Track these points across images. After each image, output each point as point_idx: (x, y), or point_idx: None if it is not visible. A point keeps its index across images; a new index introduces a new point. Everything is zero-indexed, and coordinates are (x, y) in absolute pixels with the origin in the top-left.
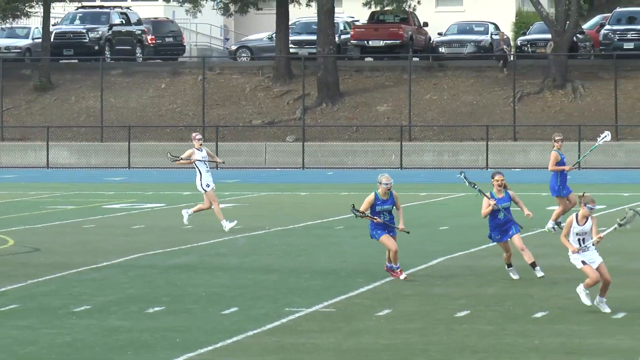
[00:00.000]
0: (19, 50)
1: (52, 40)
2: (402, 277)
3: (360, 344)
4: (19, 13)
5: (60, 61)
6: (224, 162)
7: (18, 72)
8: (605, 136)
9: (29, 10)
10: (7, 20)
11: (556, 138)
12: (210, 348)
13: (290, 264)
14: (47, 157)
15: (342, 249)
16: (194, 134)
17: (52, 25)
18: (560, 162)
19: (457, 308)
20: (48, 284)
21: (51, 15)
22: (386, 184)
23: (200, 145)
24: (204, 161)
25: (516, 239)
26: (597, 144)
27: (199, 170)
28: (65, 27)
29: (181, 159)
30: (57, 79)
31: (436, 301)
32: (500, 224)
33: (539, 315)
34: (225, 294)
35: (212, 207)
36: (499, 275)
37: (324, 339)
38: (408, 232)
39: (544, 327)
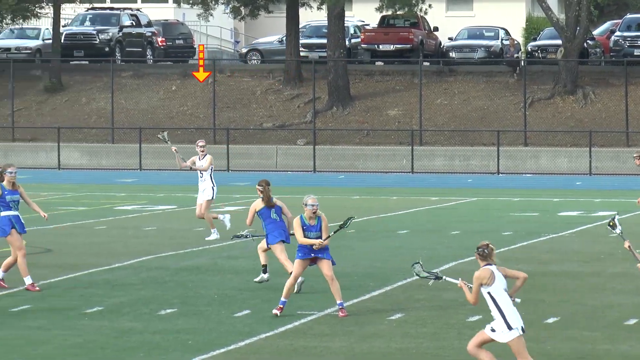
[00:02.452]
0: (29, 51)
1: (62, 41)
2: (341, 314)
3: (372, 347)
4: (28, 14)
5: (71, 62)
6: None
7: (28, 72)
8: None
9: (39, 11)
10: (17, 21)
11: None
12: (222, 350)
13: None
14: (59, 158)
15: (354, 253)
16: (197, 141)
17: (62, 27)
18: None
19: (469, 313)
20: (59, 284)
21: (61, 16)
22: (312, 205)
23: (203, 152)
24: (198, 171)
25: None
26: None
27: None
28: (75, 29)
29: (184, 160)
30: (68, 80)
31: (447, 306)
32: None
33: (550, 320)
34: (237, 296)
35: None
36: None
37: (336, 343)
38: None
39: (555, 333)
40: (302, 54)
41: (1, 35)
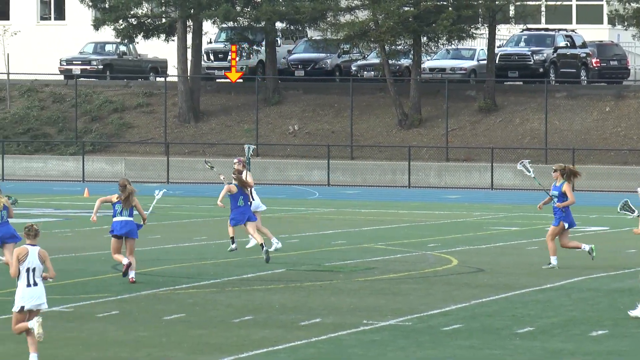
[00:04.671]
0: (463, 72)
1: (497, 62)
2: None
3: None
4: (464, 35)
5: (505, 83)
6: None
7: (463, 93)
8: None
9: (474, 32)
10: (453, 42)
11: None
12: None
13: None
14: (492, 179)
15: None
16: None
17: (497, 47)
18: None
19: None
20: (491, 304)
21: (496, 37)
22: None
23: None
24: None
25: None
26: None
27: None
28: (510, 49)
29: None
30: (502, 100)
31: None
32: None
33: None
34: None
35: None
36: None
37: None
38: None
39: None
40: None
41: (437, 56)
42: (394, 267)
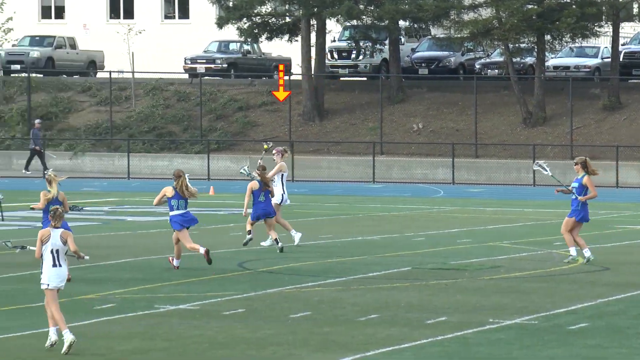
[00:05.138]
0: (588, 70)
1: (621, 59)
2: None
3: None
4: (588, 32)
5: (629, 81)
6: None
7: (587, 91)
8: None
9: (598, 29)
10: (577, 40)
11: None
12: None
13: None
14: (617, 177)
15: None
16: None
17: (621, 45)
18: None
19: None
20: (617, 303)
21: (620, 34)
22: None
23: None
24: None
25: None
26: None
27: None
28: (634, 47)
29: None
30: (626, 98)
31: None
32: None
33: None
34: None
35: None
36: None
37: None
38: None
39: None
40: None
41: (560, 54)
42: (520, 265)
